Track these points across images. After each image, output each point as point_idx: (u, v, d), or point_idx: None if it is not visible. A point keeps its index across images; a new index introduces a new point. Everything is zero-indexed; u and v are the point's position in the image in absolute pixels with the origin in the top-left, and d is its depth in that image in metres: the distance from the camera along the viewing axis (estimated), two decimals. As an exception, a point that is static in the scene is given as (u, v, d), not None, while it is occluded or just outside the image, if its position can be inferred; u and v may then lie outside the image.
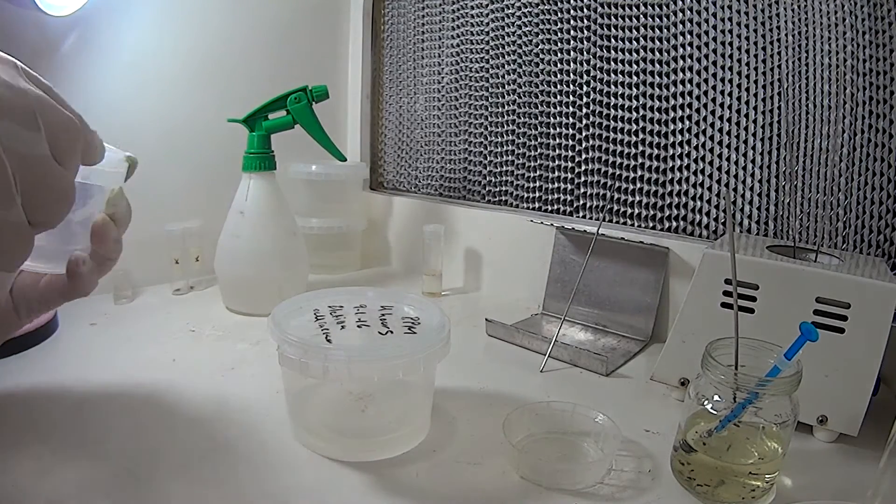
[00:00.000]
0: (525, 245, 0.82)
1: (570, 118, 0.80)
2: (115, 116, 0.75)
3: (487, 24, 0.87)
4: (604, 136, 0.77)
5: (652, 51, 0.72)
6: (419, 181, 1.00)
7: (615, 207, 0.77)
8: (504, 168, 0.88)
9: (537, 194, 0.85)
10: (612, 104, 0.76)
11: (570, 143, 0.80)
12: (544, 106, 0.82)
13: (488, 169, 0.90)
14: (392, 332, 0.48)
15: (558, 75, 0.80)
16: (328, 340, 0.45)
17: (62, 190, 0.31)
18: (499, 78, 0.87)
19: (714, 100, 0.68)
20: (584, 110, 0.78)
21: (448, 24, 0.92)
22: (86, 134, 0.33)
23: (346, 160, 0.84)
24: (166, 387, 0.53)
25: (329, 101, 0.78)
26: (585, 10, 0.76)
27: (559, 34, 0.79)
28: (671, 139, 0.72)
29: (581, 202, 0.81)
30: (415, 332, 0.47)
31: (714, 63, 0.67)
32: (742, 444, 0.40)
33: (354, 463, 0.43)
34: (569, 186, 0.81)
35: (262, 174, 0.73)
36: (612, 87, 0.76)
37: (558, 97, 0.81)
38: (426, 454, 0.44)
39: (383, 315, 0.50)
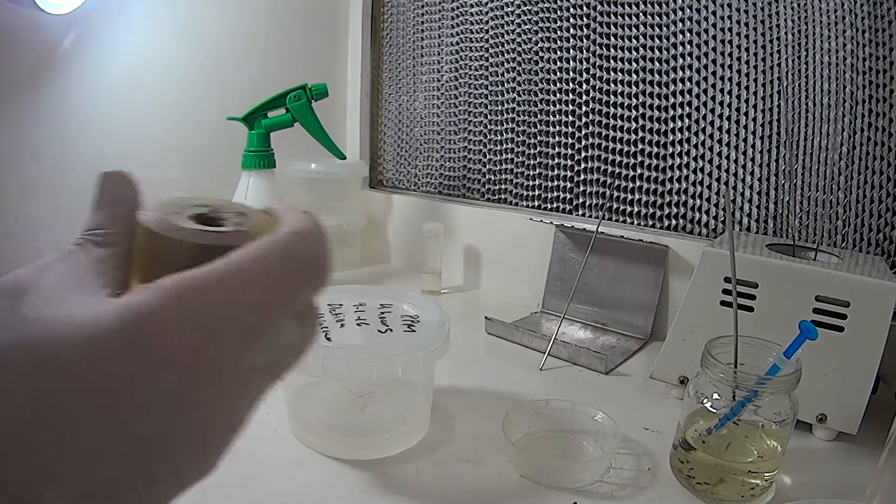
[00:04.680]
0: (524, 243, 0.81)
1: (570, 116, 0.80)
2: (115, 114, 0.75)
3: (487, 22, 0.87)
4: (603, 135, 0.77)
5: (652, 49, 0.72)
6: (418, 179, 1.00)
7: (615, 205, 0.77)
8: (503, 166, 0.88)
9: (537, 192, 0.85)
10: (611, 102, 0.76)
11: (570, 141, 0.80)
12: (544, 104, 0.82)
13: (487, 167, 0.90)
14: (391, 330, 0.48)
15: (558, 73, 0.80)
16: (327, 338, 0.45)
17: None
18: (498, 76, 0.87)
19: (714, 98, 0.68)
20: (584, 108, 0.78)
21: (447, 23, 0.92)
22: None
23: (345, 158, 0.83)
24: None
25: (328, 100, 0.78)
26: (585, 7, 0.76)
27: (559, 32, 0.79)
28: (671, 137, 0.72)
29: (580, 200, 0.81)
30: (414, 331, 0.47)
31: (714, 62, 0.67)
32: (741, 442, 0.40)
33: (354, 461, 0.43)
34: (568, 184, 0.81)
35: (261, 172, 0.73)
36: (612, 85, 0.75)
37: (558, 95, 0.80)
38: (426, 452, 0.44)
39: (383, 313, 0.50)
